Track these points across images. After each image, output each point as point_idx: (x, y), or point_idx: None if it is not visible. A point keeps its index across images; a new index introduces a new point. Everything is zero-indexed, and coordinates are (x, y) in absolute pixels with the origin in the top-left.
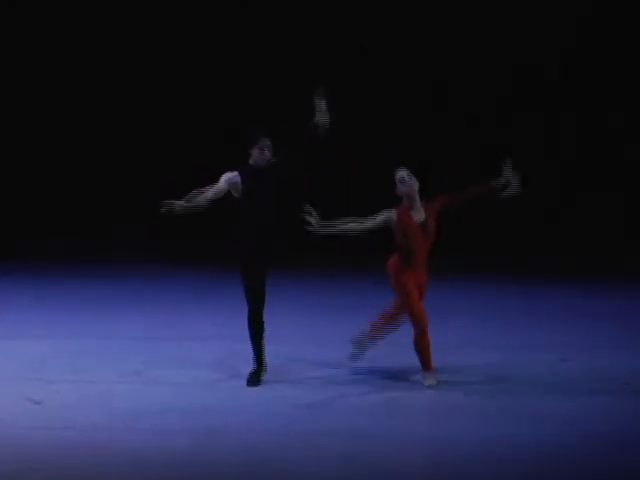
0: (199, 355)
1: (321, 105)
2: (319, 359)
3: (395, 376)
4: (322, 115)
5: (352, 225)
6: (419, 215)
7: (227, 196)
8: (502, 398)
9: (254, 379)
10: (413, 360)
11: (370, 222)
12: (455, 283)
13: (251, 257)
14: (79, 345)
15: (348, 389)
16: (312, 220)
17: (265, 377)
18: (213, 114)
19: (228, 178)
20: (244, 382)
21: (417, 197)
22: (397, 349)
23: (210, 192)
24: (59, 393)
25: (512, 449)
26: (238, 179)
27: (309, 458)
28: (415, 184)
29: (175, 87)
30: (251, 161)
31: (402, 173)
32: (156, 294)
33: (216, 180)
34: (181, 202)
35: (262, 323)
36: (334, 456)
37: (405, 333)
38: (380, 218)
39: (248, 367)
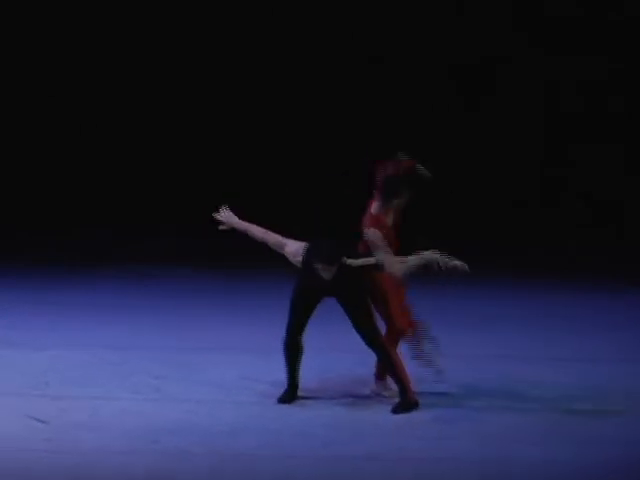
0: (222, 369)
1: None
2: (357, 374)
3: (441, 393)
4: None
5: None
6: None
7: None
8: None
9: (284, 397)
10: (464, 377)
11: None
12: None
13: (309, 267)
14: (87, 356)
15: (390, 407)
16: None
17: (297, 395)
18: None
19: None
20: (273, 400)
21: None
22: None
23: (270, 237)
24: (66, 411)
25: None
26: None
27: None
28: None
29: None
30: None
31: None
32: (173, 299)
33: None
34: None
35: (298, 343)
36: None
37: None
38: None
39: (277, 382)
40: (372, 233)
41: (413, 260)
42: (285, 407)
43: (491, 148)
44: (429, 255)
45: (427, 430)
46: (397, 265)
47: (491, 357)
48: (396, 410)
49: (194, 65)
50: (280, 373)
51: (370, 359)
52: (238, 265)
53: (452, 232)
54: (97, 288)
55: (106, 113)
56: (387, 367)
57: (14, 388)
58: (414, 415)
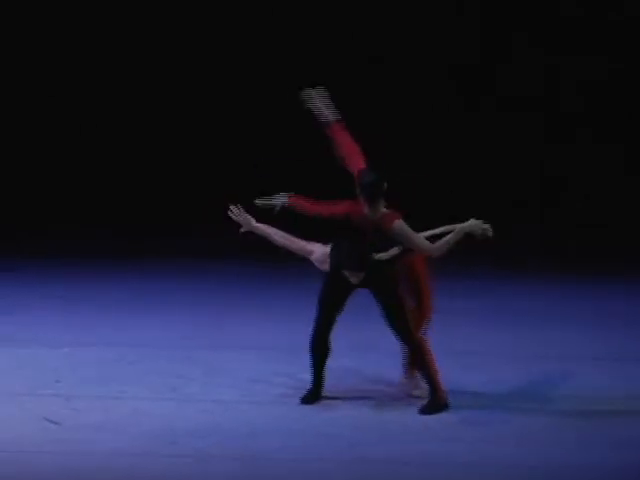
0: (243, 368)
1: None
2: (385, 373)
3: (472, 393)
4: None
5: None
6: None
7: None
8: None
9: (308, 397)
10: (495, 377)
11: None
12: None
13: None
14: (103, 354)
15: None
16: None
17: (322, 394)
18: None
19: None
20: (296, 400)
21: None
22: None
23: (293, 243)
24: (80, 411)
25: None
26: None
27: None
28: None
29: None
30: None
31: None
32: (192, 296)
33: None
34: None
35: (326, 342)
36: None
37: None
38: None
39: (300, 382)
40: (399, 225)
41: (453, 237)
42: (308, 407)
43: (491, 148)
44: (469, 225)
45: (456, 432)
46: (437, 246)
47: (523, 357)
48: (425, 411)
49: (194, 65)
50: (303, 373)
51: (397, 358)
52: (262, 261)
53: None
54: (114, 285)
55: (106, 113)
56: (419, 364)
57: (27, 388)
58: (443, 416)
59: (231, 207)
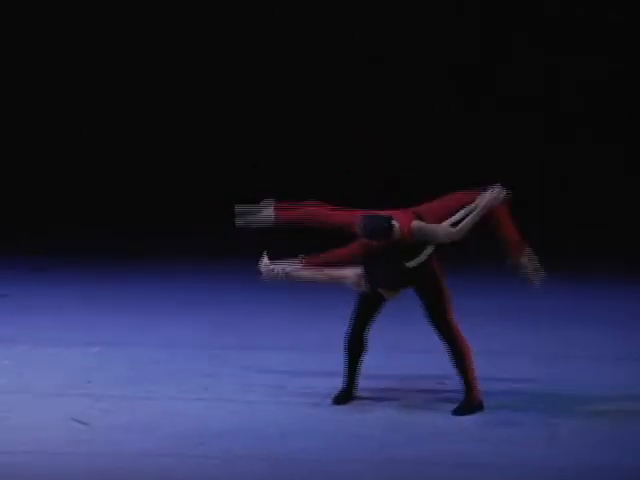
0: (274, 368)
1: None
2: (418, 373)
3: (506, 393)
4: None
5: None
6: None
7: None
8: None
9: (340, 398)
10: (529, 377)
11: None
12: None
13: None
14: (132, 354)
15: (451, 408)
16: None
17: (354, 394)
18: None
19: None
20: (327, 400)
21: None
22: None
23: (324, 275)
24: (109, 412)
25: None
26: None
27: None
28: None
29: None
30: None
31: None
32: (223, 295)
33: None
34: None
35: (362, 340)
36: None
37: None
38: None
39: (331, 382)
40: (417, 226)
41: (470, 220)
42: (339, 408)
43: (491, 148)
44: (486, 201)
45: (490, 434)
46: (455, 231)
47: (545, 356)
48: (458, 411)
49: (194, 65)
50: (335, 373)
51: (429, 358)
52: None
53: None
54: (145, 284)
55: (106, 113)
56: (456, 363)
57: (55, 388)
58: (477, 417)
59: (263, 260)
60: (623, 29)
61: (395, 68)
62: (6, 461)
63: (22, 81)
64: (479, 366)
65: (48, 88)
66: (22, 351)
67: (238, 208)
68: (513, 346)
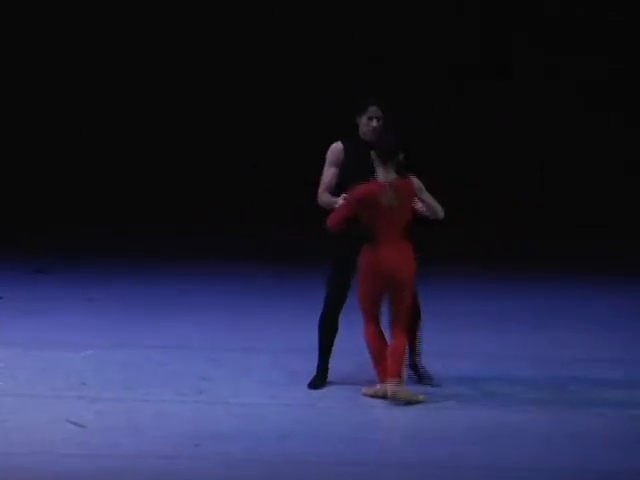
0: (270, 370)
1: None
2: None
3: (508, 395)
4: None
5: None
6: None
7: None
8: None
9: (316, 382)
10: (534, 379)
11: None
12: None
13: (346, 240)
14: (128, 356)
15: (453, 411)
16: None
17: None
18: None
19: (333, 153)
20: (324, 402)
21: None
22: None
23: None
24: (104, 414)
25: None
26: (342, 155)
27: None
28: None
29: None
30: (360, 133)
31: None
32: (219, 296)
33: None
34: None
35: (336, 321)
36: None
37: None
38: None
39: (329, 384)
40: (416, 181)
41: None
42: (338, 410)
43: (491, 148)
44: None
45: (490, 435)
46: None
47: (554, 358)
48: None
49: (194, 65)
50: (332, 375)
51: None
52: (290, 263)
53: (452, 232)
54: (140, 287)
55: (106, 113)
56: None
57: (51, 390)
58: (479, 420)
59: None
60: (623, 29)
61: (395, 68)
62: (2, 463)
63: (22, 81)
64: (477, 369)
65: (48, 88)
66: (17, 354)
67: None
68: (511, 348)
